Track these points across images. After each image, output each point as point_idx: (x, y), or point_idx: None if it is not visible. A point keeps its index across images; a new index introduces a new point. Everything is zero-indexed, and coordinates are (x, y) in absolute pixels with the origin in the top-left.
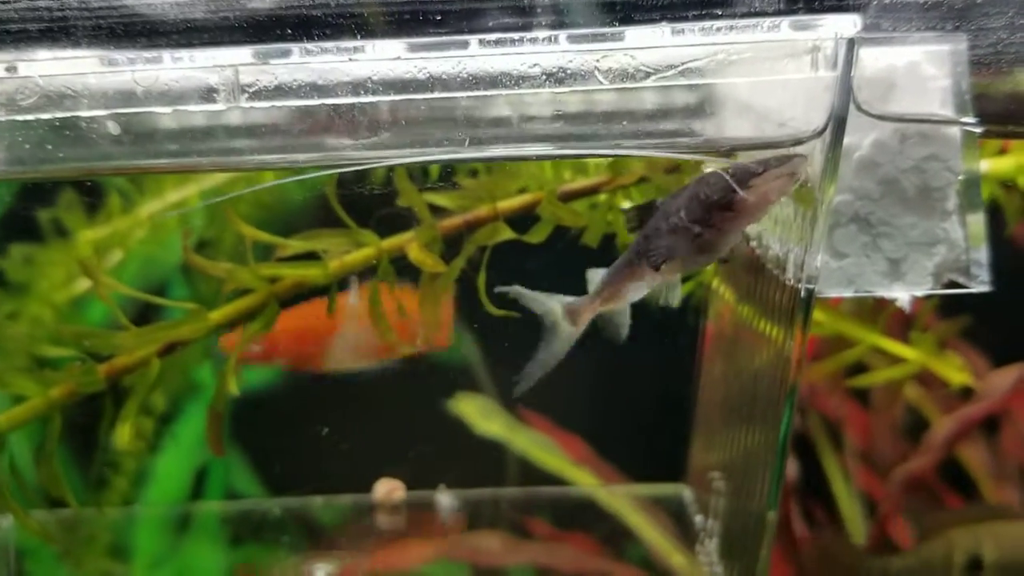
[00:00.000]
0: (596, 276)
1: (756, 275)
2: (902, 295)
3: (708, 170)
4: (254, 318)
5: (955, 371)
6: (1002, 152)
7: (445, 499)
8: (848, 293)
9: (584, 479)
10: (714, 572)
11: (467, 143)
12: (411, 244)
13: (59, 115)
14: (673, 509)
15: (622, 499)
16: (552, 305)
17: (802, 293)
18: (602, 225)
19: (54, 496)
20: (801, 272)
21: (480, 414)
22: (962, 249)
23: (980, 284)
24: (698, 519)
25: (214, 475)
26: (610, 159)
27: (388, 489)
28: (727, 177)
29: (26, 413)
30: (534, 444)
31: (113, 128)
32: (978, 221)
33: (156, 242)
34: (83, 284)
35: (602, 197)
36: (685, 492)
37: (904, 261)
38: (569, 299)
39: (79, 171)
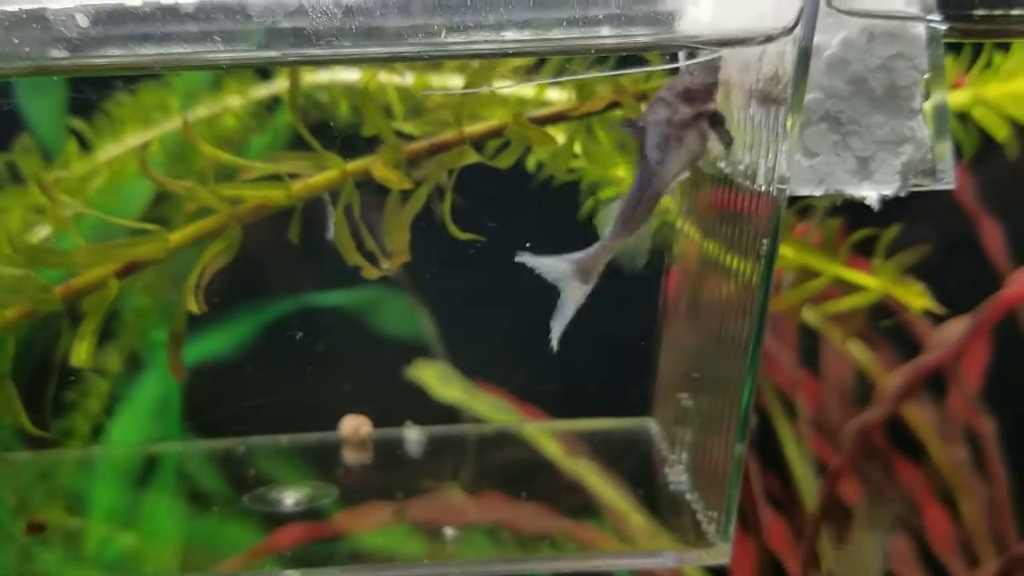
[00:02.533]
0: (613, 211)
1: (722, 207)
2: (870, 194)
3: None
4: (215, 239)
5: (916, 297)
6: (956, 86)
7: (413, 434)
8: (819, 192)
9: (548, 445)
10: (687, 500)
11: (444, 34)
12: (376, 163)
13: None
14: (640, 442)
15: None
16: (561, 269)
17: (774, 193)
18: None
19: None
20: (773, 173)
21: (439, 380)
22: (928, 148)
23: (945, 184)
24: (665, 452)
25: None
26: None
27: (354, 425)
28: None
29: None
30: (494, 408)
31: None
32: (943, 119)
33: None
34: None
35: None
36: (651, 425)
37: (872, 160)
38: (576, 255)
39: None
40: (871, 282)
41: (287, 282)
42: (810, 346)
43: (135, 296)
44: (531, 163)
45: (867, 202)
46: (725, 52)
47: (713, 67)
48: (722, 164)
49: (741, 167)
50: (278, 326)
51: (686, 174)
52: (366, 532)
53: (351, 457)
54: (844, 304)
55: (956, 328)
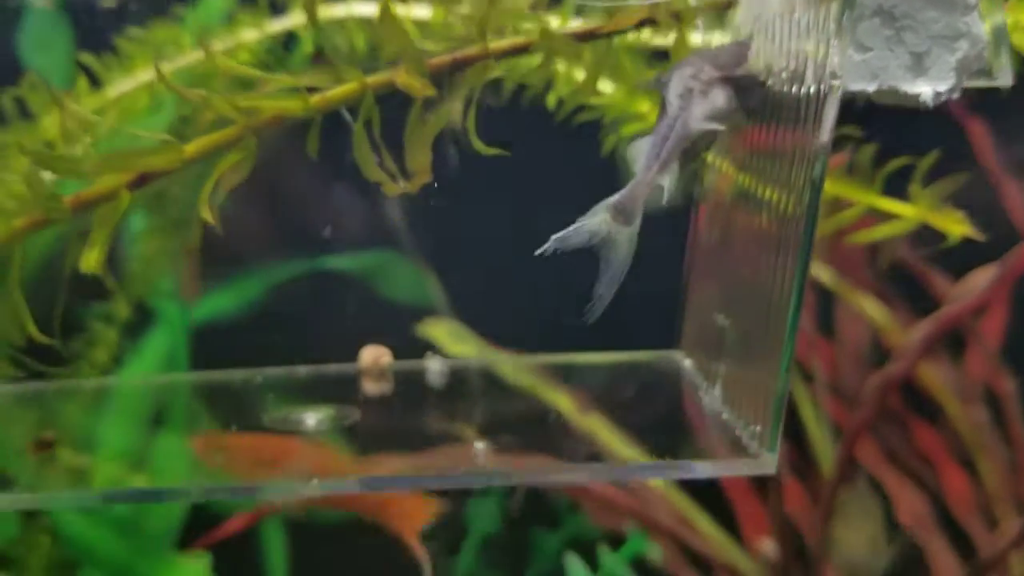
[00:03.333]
0: (640, 148)
1: (756, 140)
2: (925, 90)
3: None
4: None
5: (955, 224)
6: None
7: (435, 365)
8: (872, 87)
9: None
10: (725, 420)
11: None
12: (398, 71)
13: None
14: (671, 372)
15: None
16: (598, 222)
17: (825, 90)
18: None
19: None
20: (824, 70)
21: (450, 337)
22: (983, 45)
23: (1002, 81)
24: (698, 380)
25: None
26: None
27: (374, 355)
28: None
29: None
30: (507, 363)
31: None
32: (1001, 22)
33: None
34: None
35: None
36: (680, 357)
37: (927, 55)
38: (611, 200)
39: None
40: (907, 210)
41: (304, 214)
42: (825, 308)
43: (142, 243)
44: (551, 100)
45: (921, 99)
46: None
47: (742, 52)
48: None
49: (785, 75)
50: (286, 287)
51: (712, 126)
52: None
53: (371, 388)
54: (879, 232)
55: (979, 279)
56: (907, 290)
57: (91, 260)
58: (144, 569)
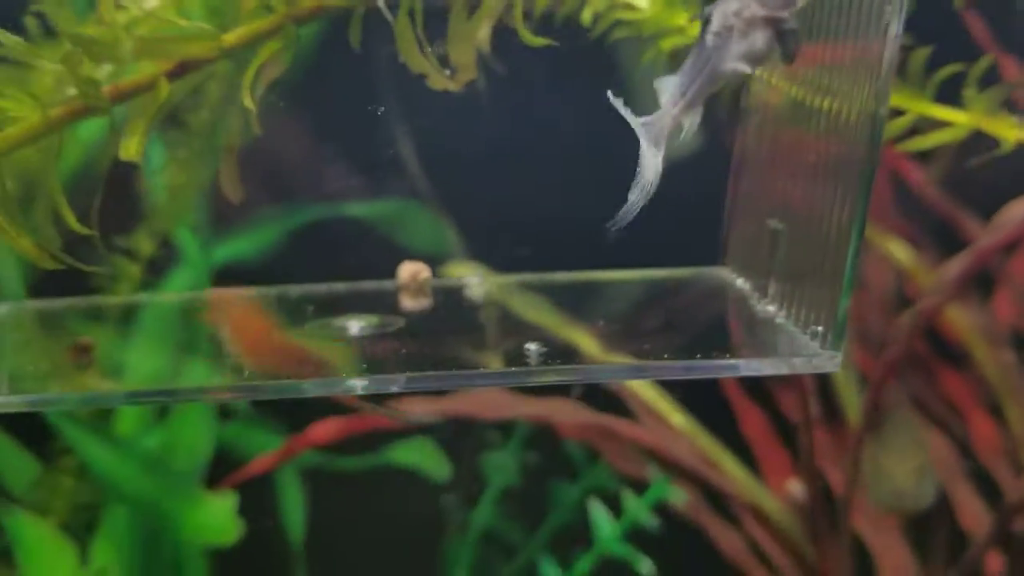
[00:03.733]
0: (667, 84)
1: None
2: None
3: None
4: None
5: (1010, 129)
6: None
7: (475, 280)
8: None
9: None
10: (782, 324)
11: None
12: None
13: None
14: (719, 285)
15: None
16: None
17: None
18: None
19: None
20: None
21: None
22: None
23: None
24: (747, 291)
25: None
26: None
27: (413, 271)
28: None
29: (21, 133)
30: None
31: None
32: None
33: None
34: None
35: None
36: (726, 273)
37: None
38: (641, 120)
39: None
40: (960, 117)
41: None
42: None
43: (169, 173)
44: (586, 16)
45: None
46: None
47: None
48: None
49: None
50: (306, 232)
51: (745, 68)
52: None
53: (410, 303)
54: (931, 140)
55: (1017, 211)
56: (935, 233)
57: (131, 148)
58: (171, 507)
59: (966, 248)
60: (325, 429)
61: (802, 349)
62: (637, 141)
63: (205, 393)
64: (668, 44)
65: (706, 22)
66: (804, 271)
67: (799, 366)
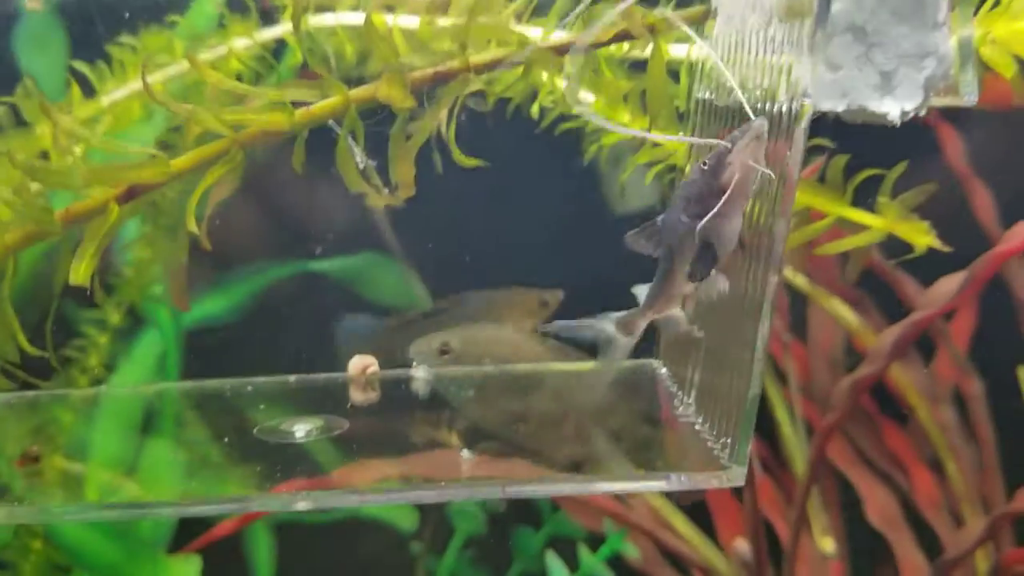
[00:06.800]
0: (642, 291)
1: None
2: (892, 108)
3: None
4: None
5: (920, 235)
6: None
7: (420, 374)
8: (841, 106)
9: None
10: (698, 431)
11: None
12: (380, 83)
13: None
14: (648, 380)
15: None
16: (604, 327)
17: (796, 108)
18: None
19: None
20: (796, 88)
21: None
22: (950, 64)
23: (968, 100)
24: (673, 389)
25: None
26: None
27: (362, 365)
28: (706, 166)
29: None
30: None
31: None
32: (968, 37)
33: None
34: None
35: None
36: (658, 366)
37: (895, 74)
38: (618, 315)
39: None
40: (875, 221)
41: (291, 227)
42: (799, 312)
43: (134, 250)
44: (535, 110)
45: (888, 118)
46: None
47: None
48: (733, 97)
49: (759, 92)
50: (275, 290)
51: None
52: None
53: (359, 396)
54: (848, 243)
55: (949, 284)
56: (879, 295)
57: (81, 272)
58: (135, 572)
59: (902, 320)
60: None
61: (715, 460)
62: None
63: (144, 508)
64: (609, 140)
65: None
66: (719, 377)
67: (707, 482)
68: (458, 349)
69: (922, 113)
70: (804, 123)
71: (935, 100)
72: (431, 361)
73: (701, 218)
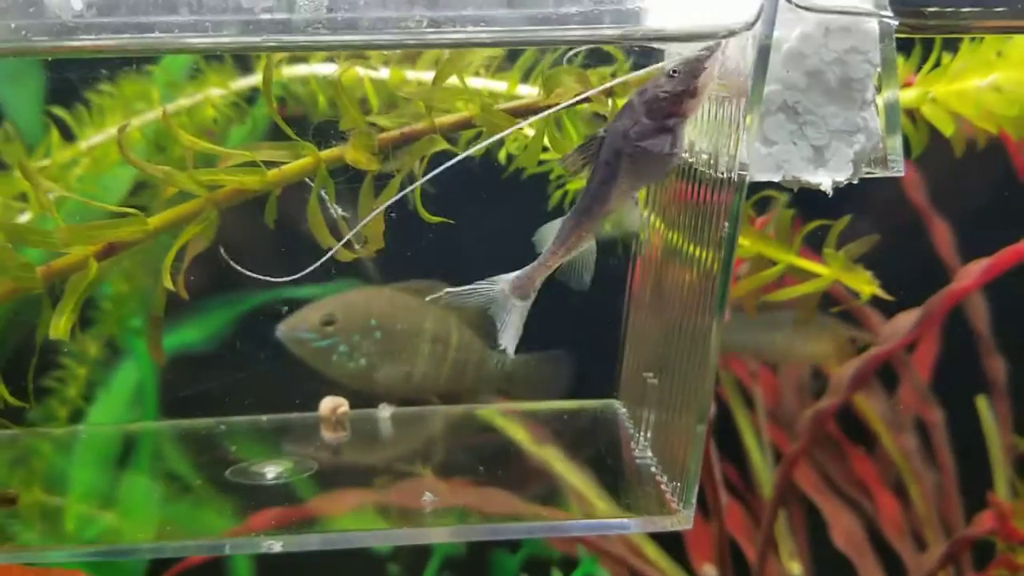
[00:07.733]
0: (548, 232)
1: (685, 199)
2: (824, 180)
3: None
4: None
5: (864, 284)
6: (907, 85)
7: (386, 413)
8: (777, 178)
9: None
10: (652, 473)
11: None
12: (347, 147)
13: None
14: (607, 421)
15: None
16: (496, 291)
17: (735, 179)
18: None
19: None
20: (734, 161)
21: None
22: (879, 139)
23: (895, 172)
24: (631, 430)
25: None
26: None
27: (332, 405)
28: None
29: None
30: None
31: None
32: (894, 113)
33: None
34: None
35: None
36: (618, 406)
37: (827, 148)
38: (512, 275)
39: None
40: (822, 270)
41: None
42: None
43: (113, 283)
44: (502, 155)
45: (821, 188)
46: (686, 47)
47: (693, 72)
48: (685, 155)
49: (704, 157)
50: (253, 318)
51: (633, 197)
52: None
53: (330, 435)
54: (797, 291)
55: (907, 320)
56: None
57: (59, 327)
58: None
59: (860, 355)
60: (265, 518)
61: (664, 503)
62: None
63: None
64: (575, 186)
65: (597, 148)
66: (671, 424)
67: (653, 527)
68: (342, 318)
69: (854, 182)
70: (741, 194)
71: (865, 172)
72: (315, 335)
73: (669, 119)
